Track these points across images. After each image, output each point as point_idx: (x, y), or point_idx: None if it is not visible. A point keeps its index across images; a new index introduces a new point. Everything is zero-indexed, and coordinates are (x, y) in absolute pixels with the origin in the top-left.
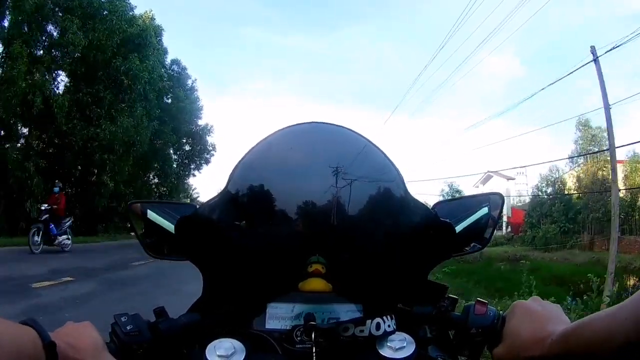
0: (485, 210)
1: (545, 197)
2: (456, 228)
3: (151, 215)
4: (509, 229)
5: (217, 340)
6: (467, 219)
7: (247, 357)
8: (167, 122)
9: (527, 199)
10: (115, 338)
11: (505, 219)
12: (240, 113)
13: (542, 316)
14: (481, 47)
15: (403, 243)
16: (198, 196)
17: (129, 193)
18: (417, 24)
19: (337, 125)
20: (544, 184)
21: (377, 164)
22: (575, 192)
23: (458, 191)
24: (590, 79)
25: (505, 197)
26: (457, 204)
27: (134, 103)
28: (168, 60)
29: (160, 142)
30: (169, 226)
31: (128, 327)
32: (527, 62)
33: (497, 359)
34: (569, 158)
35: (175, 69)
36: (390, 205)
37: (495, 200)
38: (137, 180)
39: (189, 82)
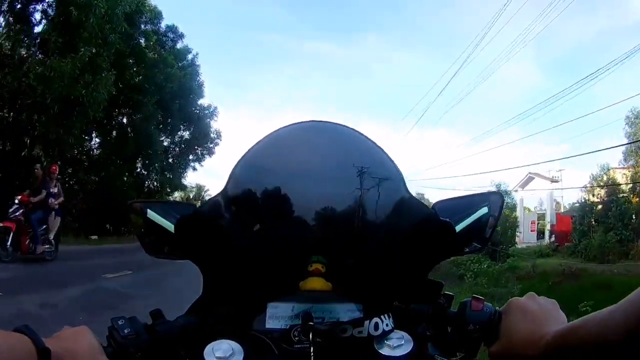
0: (485, 209)
1: (597, 200)
2: (456, 227)
3: (151, 214)
4: (553, 239)
5: (215, 342)
6: (467, 219)
7: (245, 358)
8: (149, 91)
9: (564, 205)
10: (113, 342)
11: (548, 227)
12: (256, 120)
13: (538, 315)
14: (501, 58)
15: (403, 242)
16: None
17: (91, 182)
18: (437, 33)
19: (337, 124)
20: (594, 183)
21: (377, 163)
22: (631, 193)
23: (507, 192)
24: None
25: (550, 202)
26: (457, 203)
27: (84, 44)
28: (163, 25)
29: (139, 117)
30: (169, 226)
31: (125, 331)
32: (545, 71)
33: (494, 357)
34: (624, 145)
35: (171, 36)
36: (391, 204)
37: (495, 199)
38: (108, 167)
39: (189, 56)
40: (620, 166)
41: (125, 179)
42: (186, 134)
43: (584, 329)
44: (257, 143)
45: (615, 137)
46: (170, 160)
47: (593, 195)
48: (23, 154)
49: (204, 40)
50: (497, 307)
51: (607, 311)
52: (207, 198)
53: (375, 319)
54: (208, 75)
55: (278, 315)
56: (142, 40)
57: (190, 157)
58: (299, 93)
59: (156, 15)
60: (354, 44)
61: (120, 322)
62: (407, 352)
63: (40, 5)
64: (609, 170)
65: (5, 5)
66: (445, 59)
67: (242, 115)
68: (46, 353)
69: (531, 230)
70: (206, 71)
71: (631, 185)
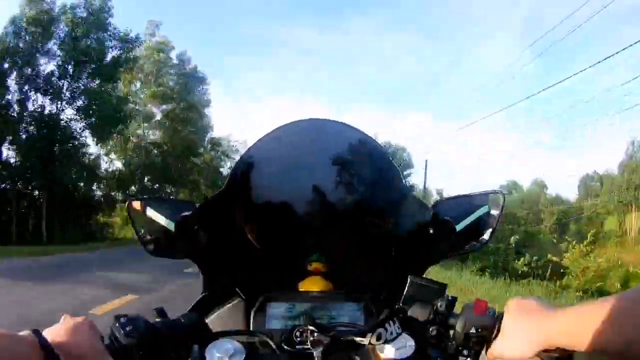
0: (485, 208)
1: None
2: (456, 227)
3: (151, 212)
4: None
5: (217, 341)
6: (468, 218)
7: (247, 358)
8: None
9: None
10: (115, 339)
11: None
12: (244, 109)
13: (536, 318)
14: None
15: (403, 241)
16: None
17: None
18: (425, 15)
19: (336, 122)
20: None
21: (377, 161)
22: None
23: None
24: None
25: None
26: (457, 203)
27: None
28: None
29: None
30: (170, 224)
31: (127, 328)
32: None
33: (492, 358)
34: None
35: None
36: (391, 203)
37: (495, 198)
38: None
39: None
40: None
41: None
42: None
43: (577, 338)
44: (256, 142)
45: None
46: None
47: None
48: None
49: (185, 31)
50: (500, 311)
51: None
52: None
53: (379, 330)
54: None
55: (278, 315)
56: None
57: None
58: (285, 82)
59: None
60: (338, 30)
61: (122, 320)
62: (409, 354)
63: None
64: None
65: None
66: (433, 41)
67: (227, 106)
68: (52, 356)
69: None
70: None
71: None
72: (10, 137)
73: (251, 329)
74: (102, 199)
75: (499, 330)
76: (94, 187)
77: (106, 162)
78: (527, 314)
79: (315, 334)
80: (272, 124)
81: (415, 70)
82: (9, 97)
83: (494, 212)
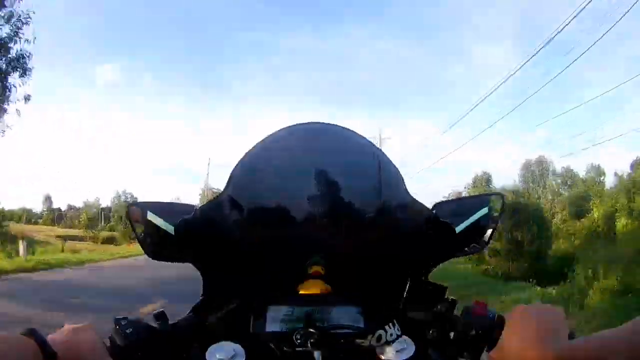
0: (485, 210)
1: None
2: (456, 229)
3: (151, 216)
4: None
5: (217, 344)
6: (467, 220)
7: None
8: None
9: None
10: (115, 342)
11: None
12: (241, 114)
13: (540, 327)
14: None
15: (402, 244)
16: None
17: None
18: (419, 19)
19: (335, 126)
20: None
21: (376, 164)
22: None
23: None
24: None
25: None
26: (457, 205)
27: None
28: None
29: None
30: (169, 227)
31: (128, 331)
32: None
33: None
34: None
35: None
36: (390, 206)
37: (495, 200)
38: None
39: None
40: None
41: None
42: None
43: (585, 349)
44: (255, 146)
45: None
46: None
47: None
48: None
49: (178, 41)
50: (500, 313)
51: (610, 333)
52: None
53: (379, 332)
54: (193, 75)
55: (278, 318)
56: None
57: None
58: (280, 88)
59: None
60: (331, 35)
61: (123, 323)
62: (408, 356)
63: None
64: None
65: None
66: (424, 43)
67: (222, 115)
68: (52, 357)
69: None
70: (182, 73)
71: None
72: None
73: (250, 331)
74: None
75: (499, 333)
76: None
77: None
78: (529, 328)
79: (315, 336)
80: (270, 128)
81: (412, 73)
82: None
83: (494, 213)
